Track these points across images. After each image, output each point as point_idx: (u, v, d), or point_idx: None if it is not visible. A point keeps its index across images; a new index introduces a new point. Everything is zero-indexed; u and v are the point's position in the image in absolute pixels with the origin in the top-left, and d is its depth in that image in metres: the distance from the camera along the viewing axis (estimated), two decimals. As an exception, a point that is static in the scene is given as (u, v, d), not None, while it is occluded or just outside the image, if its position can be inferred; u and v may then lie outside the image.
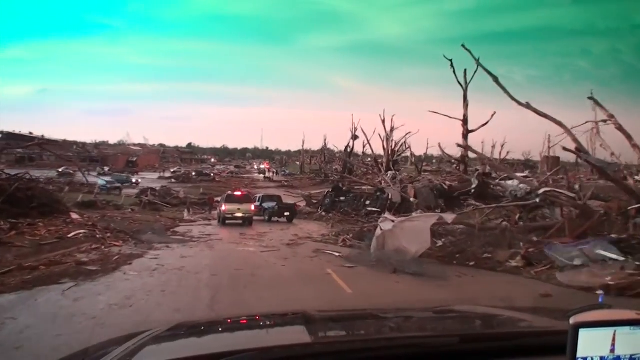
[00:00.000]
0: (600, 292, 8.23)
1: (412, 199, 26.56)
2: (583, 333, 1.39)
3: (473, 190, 27.38)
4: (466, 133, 41.59)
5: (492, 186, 28.19)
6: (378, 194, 34.85)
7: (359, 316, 3.17)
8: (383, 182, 39.78)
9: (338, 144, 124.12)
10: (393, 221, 16.33)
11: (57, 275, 11.80)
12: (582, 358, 1.41)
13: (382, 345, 1.95)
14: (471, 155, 41.20)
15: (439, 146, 42.64)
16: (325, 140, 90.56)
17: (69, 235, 18.01)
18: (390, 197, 33.60)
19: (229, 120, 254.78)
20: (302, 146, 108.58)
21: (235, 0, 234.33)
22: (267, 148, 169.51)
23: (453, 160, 42.96)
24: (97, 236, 18.72)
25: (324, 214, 35.57)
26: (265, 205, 32.67)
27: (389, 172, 43.19)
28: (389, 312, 3.28)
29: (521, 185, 25.99)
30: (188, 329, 2.70)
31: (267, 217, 31.86)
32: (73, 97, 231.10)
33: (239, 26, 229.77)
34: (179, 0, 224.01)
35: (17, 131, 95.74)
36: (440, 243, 17.28)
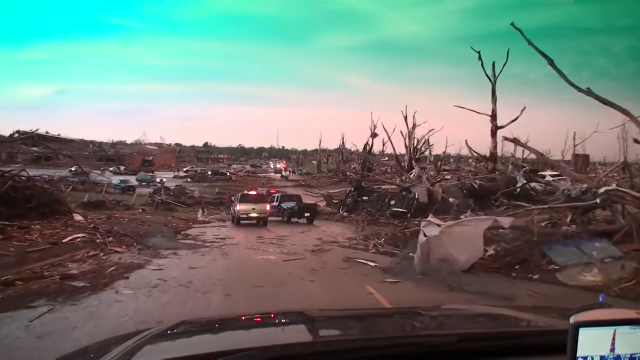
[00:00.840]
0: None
1: (451, 200, 23.69)
2: (583, 332, 1.36)
3: (519, 190, 24.45)
4: (495, 129, 38.82)
5: (539, 184, 25.27)
6: (404, 193, 32.15)
7: (359, 315, 3.09)
8: (408, 180, 37.01)
9: (355, 144, 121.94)
10: (439, 225, 13.62)
11: (33, 294, 9.30)
12: (582, 357, 1.37)
13: (382, 345, 1.89)
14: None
15: (466, 143, 39.59)
16: (343, 139, 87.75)
17: (65, 241, 15.56)
18: (417, 196, 30.98)
19: (245, 120, 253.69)
20: (319, 145, 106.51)
21: (251, 0, 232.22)
22: (284, 147, 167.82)
23: (481, 158, 39.95)
24: (97, 241, 16.25)
25: (346, 214, 33.04)
26: (284, 205, 30.14)
27: (414, 170, 40.30)
28: (389, 312, 3.49)
29: (553, 183, 23.42)
30: (188, 327, 2.58)
31: (286, 218, 29.41)
32: (91, 97, 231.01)
33: (255, 26, 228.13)
34: (195, 1, 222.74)
35: (32, 130, 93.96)
36: (491, 251, 14.52)
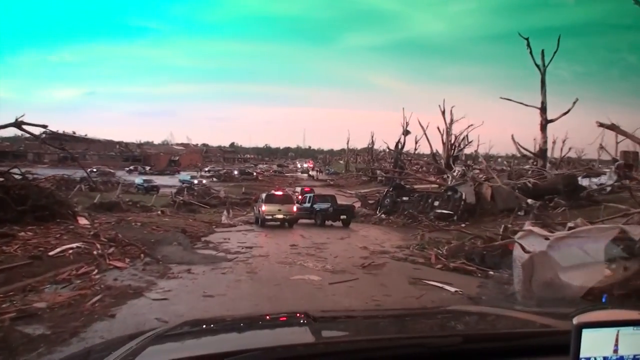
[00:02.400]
0: None
1: (529, 201, 19.56)
2: (586, 333, 1.32)
3: (609, 188, 20.28)
4: (545, 122, 34.79)
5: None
6: (449, 193, 28.23)
7: (362, 316, 3.02)
8: (451, 179, 32.99)
9: (382, 143, 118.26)
10: (546, 238, 9.74)
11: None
12: (585, 358, 1.33)
13: (385, 345, 1.81)
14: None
15: (512, 138, 35.82)
16: (372, 137, 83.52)
17: (51, 253, 12.08)
18: (464, 196, 27.05)
19: (271, 119, 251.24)
20: (347, 144, 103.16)
21: (277, 1, 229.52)
22: (310, 147, 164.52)
23: (531, 154, 35.89)
24: (95, 252, 12.78)
25: (384, 216, 29.16)
26: (317, 206, 26.40)
27: (456, 168, 36.25)
28: (392, 312, 3.15)
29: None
30: (191, 328, 2.47)
31: (319, 221, 25.69)
32: (120, 98, 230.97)
33: (281, 27, 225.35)
34: (221, 3, 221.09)
35: (60, 131, 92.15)
36: (607, 271, 10.56)
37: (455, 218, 25.94)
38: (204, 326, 2.62)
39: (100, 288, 9.36)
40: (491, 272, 11.62)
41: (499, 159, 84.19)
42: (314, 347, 1.90)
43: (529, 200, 17.94)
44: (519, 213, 25.78)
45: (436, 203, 28.44)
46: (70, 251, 12.54)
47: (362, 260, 13.61)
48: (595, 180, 32.87)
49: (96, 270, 11.19)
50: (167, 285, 9.86)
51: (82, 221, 18.33)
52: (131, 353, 1.77)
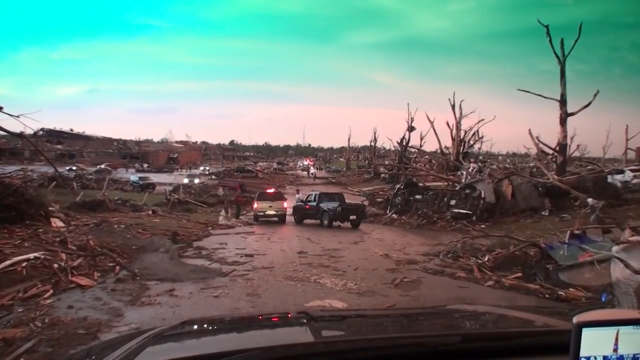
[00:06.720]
0: None
1: (589, 200, 16.56)
2: (586, 332, 1.25)
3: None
4: (565, 116, 32.01)
5: None
6: (467, 191, 25.43)
7: (361, 316, 2.87)
8: (465, 175, 30.21)
9: (385, 140, 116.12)
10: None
11: None
12: (585, 357, 1.26)
13: (384, 345, 1.74)
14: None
15: (529, 132, 33.06)
16: (374, 133, 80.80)
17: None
18: (483, 195, 24.34)
19: (272, 117, 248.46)
20: (348, 142, 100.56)
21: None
22: (310, 145, 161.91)
23: (549, 150, 33.14)
24: (56, 265, 9.96)
25: (395, 216, 26.35)
26: (324, 205, 23.50)
27: (471, 165, 33.49)
28: (391, 312, 3.18)
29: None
30: (190, 327, 2.36)
31: (326, 222, 22.83)
32: (120, 96, 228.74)
33: (282, 25, 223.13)
34: (223, 0, 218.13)
35: (58, 128, 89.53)
36: None
37: (474, 218, 23.29)
38: (204, 326, 2.49)
39: (41, 325, 6.54)
40: (561, 292, 8.86)
41: (500, 157, 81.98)
42: (314, 346, 1.81)
43: (589, 200, 15.05)
44: (543, 213, 23.23)
45: (453, 202, 25.73)
46: (24, 264, 9.73)
47: (390, 273, 10.81)
48: (618, 177, 30.20)
49: (51, 291, 8.44)
50: (136, 318, 7.00)
51: (57, 223, 15.54)
52: (132, 352, 1.69)
